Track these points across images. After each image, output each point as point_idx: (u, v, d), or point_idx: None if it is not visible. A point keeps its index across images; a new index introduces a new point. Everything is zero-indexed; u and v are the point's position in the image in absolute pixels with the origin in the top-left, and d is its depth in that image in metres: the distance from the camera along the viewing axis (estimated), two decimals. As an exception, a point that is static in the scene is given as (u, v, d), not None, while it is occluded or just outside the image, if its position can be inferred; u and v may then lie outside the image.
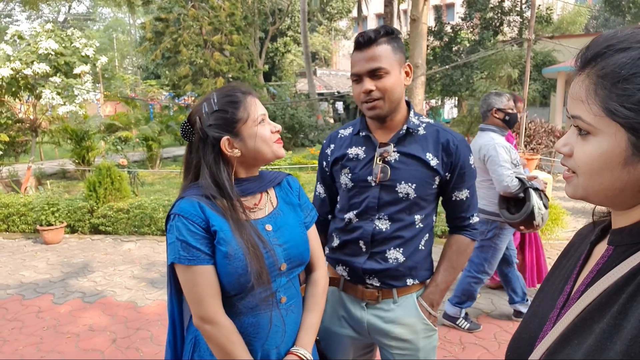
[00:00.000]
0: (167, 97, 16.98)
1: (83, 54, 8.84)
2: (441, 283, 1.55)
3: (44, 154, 14.39)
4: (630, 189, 0.61)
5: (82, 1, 37.87)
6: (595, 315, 0.61)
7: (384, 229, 1.49)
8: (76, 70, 8.62)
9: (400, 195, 1.47)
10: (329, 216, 1.72)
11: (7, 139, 7.94)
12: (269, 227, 1.27)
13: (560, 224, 5.10)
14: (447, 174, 1.50)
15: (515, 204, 2.96)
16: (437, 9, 19.90)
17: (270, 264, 1.21)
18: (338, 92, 21.60)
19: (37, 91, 8.12)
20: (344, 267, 1.58)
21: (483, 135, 3.09)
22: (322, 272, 1.41)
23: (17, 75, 7.77)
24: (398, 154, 1.48)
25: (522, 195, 2.90)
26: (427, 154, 1.47)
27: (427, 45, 13.52)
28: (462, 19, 16.96)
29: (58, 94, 8.15)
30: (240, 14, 16.06)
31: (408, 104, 1.56)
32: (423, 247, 1.54)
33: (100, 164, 6.19)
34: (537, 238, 3.71)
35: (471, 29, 16.86)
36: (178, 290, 1.25)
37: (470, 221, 1.58)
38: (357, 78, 1.45)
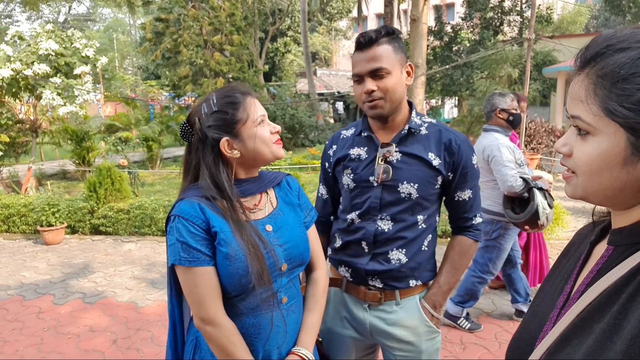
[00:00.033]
0: (167, 98, 16.98)
1: (83, 54, 8.84)
2: (444, 285, 1.54)
3: (45, 154, 14.40)
4: (630, 188, 0.61)
5: (82, 2, 37.92)
6: (595, 315, 0.61)
7: (386, 230, 1.48)
8: (76, 71, 8.62)
9: (403, 195, 1.46)
10: (331, 217, 1.71)
11: (7, 139, 7.94)
12: (269, 228, 1.27)
13: (561, 224, 5.10)
14: (449, 173, 1.49)
15: (520, 203, 2.96)
16: (437, 8, 19.89)
17: (271, 265, 1.21)
18: (338, 92, 21.61)
19: (38, 92, 8.12)
20: (347, 268, 1.57)
21: (487, 136, 3.09)
22: (322, 271, 1.41)
23: (18, 76, 7.77)
24: (400, 154, 1.48)
25: (526, 195, 2.91)
26: (429, 153, 1.47)
27: (427, 45, 13.52)
28: (462, 19, 16.95)
29: (58, 94, 8.15)
30: (240, 14, 16.06)
31: (410, 104, 1.55)
32: (426, 248, 1.53)
33: (100, 165, 6.20)
34: (540, 238, 3.72)
35: (471, 29, 16.86)
36: (178, 291, 1.25)
37: (473, 222, 1.57)
38: (358, 78, 1.45)
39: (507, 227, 3.08)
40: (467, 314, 3.32)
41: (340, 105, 24.18)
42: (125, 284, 4.39)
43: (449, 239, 1.67)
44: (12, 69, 7.56)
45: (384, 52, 1.40)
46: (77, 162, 10.15)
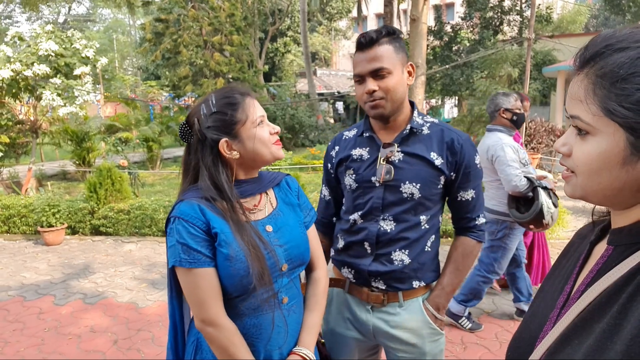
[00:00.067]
0: (167, 98, 16.97)
1: (83, 55, 8.84)
2: (447, 286, 1.53)
3: (45, 155, 14.41)
4: (629, 188, 0.61)
5: (82, 2, 37.90)
6: (595, 315, 0.61)
7: (388, 230, 1.48)
8: (76, 72, 8.62)
9: (405, 195, 1.46)
10: (334, 219, 1.71)
11: (7, 140, 7.94)
12: (269, 228, 1.27)
13: (561, 223, 5.11)
14: (452, 173, 1.48)
15: (525, 203, 2.96)
16: (437, 8, 19.90)
17: (271, 265, 1.20)
18: (338, 92, 21.61)
19: (38, 92, 8.13)
20: (350, 270, 1.56)
21: (491, 136, 3.09)
22: (322, 271, 1.41)
23: (18, 77, 7.78)
24: (402, 154, 1.47)
25: (531, 194, 2.91)
26: (432, 153, 1.46)
27: (427, 45, 13.51)
28: (462, 19, 16.96)
29: (58, 95, 8.15)
30: (240, 15, 16.05)
31: (412, 104, 1.55)
32: (429, 249, 1.52)
33: (100, 165, 6.20)
34: (543, 238, 3.72)
35: (471, 29, 16.86)
36: (179, 292, 1.25)
37: (476, 222, 1.56)
38: (359, 79, 1.45)
39: (512, 226, 3.09)
40: (469, 313, 3.32)
41: (340, 105, 24.18)
42: (125, 284, 4.39)
43: (448, 238, 1.67)
44: (12, 70, 7.57)
45: (385, 52, 1.40)
46: (77, 162, 10.15)
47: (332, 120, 22.37)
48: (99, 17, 41.25)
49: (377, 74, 1.40)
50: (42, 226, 5.76)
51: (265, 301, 1.21)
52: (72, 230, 6.11)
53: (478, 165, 1.52)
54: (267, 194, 1.34)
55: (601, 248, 0.70)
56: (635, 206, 0.64)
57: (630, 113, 0.58)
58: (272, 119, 15.14)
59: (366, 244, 1.51)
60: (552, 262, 3.94)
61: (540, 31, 16.19)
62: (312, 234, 1.41)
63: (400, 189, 1.46)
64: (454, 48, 17.09)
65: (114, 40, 36.38)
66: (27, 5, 19.44)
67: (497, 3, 16.11)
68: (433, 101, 21.75)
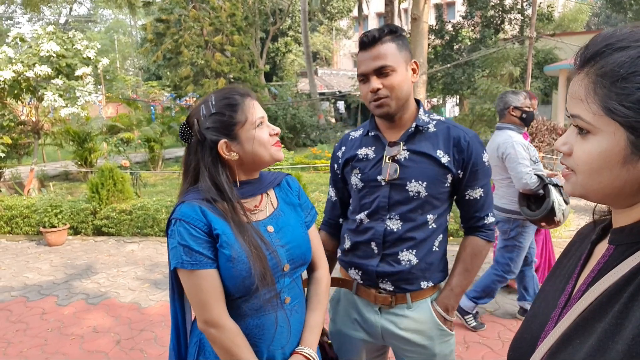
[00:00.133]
0: (168, 98, 16.99)
1: (84, 55, 8.85)
2: (456, 287, 1.51)
3: (47, 156, 14.43)
4: (630, 187, 0.61)
5: (83, 3, 37.98)
6: (596, 314, 0.61)
7: (395, 229, 1.46)
8: (78, 72, 8.63)
9: (411, 194, 1.44)
10: (340, 220, 1.70)
11: (9, 141, 7.96)
12: (270, 229, 1.27)
13: (564, 222, 5.08)
14: (459, 171, 1.46)
15: (536, 201, 2.96)
16: (438, 7, 19.90)
17: (273, 265, 1.20)
18: (339, 92, 21.61)
19: (39, 93, 8.14)
20: (357, 271, 1.55)
21: (500, 134, 3.09)
22: (323, 270, 1.41)
23: (19, 78, 7.79)
24: (408, 152, 1.46)
25: (541, 192, 2.91)
26: (438, 151, 1.45)
27: (428, 44, 13.51)
28: (463, 17, 16.94)
29: (60, 96, 8.16)
30: (241, 15, 16.06)
31: (418, 102, 1.53)
32: (437, 249, 1.50)
33: (102, 166, 6.20)
34: (548, 236, 3.72)
35: (472, 27, 16.85)
36: (180, 293, 1.26)
37: (485, 221, 1.53)
38: (363, 78, 1.44)
39: (524, 224, 3.08)
40: (477, 312, 3.31)
41: (341, 105, 24.19)
42: (128, 284, 4.40)
43: (450, 238, 1.66)
44: (13, 71, 7.58)
45: (388, 50, 1.39)
46: (79, 163, 10.17)
47: (333, 120, 22.36)
48: (100, 18, 41.30)
49: (381, 72, 1.39)
50: (44, 227, 5.77)
51: (267, 301, 1.21)
52: (75, 231, 6.12)
53: (486, 163, 1.49)
54: (267, 194, 1.33)
55: (602, 247, 0.70)
56: (636, 205, 0.64)
57: (630, 112, 0.58)
58: (273, 118, 15.15)
59: (373, 244, 1.49)
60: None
61: (542, 29, 16.16)
62: (314, 233, 1.41)
63: (406, 187, 1.44)
64: (455, 47, 17.07)
65: (115, 40, 36.40)
66: (28, 6, 19.48)
67: (498, 1, 16.09)
68: (434, 100, 21.73)
